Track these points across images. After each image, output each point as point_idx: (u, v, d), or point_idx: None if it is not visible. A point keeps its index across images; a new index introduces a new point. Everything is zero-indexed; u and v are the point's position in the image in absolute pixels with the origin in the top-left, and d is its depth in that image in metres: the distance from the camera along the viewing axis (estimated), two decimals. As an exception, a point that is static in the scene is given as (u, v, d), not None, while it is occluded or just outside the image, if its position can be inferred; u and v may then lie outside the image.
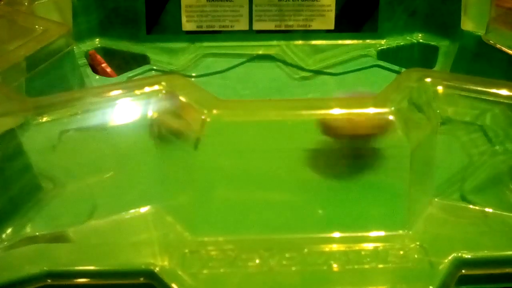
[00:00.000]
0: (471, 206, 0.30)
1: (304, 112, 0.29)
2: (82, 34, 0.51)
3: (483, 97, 0.31)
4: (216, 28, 0.52)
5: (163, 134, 0.30)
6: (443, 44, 0.51)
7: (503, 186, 0.32)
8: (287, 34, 0.52)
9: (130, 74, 0.49)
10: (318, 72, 0.50)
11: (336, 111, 0.29)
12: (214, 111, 0.29)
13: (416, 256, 0.27)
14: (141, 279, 0.26)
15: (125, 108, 0.30)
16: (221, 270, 0.26)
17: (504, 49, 0.43)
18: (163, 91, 0.30)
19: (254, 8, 0.52)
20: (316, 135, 0.29)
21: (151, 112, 0.30)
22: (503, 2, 0.48)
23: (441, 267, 0.26)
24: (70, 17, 0.47)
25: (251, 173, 0.29)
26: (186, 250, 0.27)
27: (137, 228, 0.29)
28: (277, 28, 0.52)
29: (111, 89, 0.31)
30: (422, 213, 0.29)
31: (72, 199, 0.31)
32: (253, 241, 0.28)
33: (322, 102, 0.31)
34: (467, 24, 0.47)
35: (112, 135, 0.31)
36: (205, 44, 0.52)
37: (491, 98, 0.31)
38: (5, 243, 0.28)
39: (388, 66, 0.50)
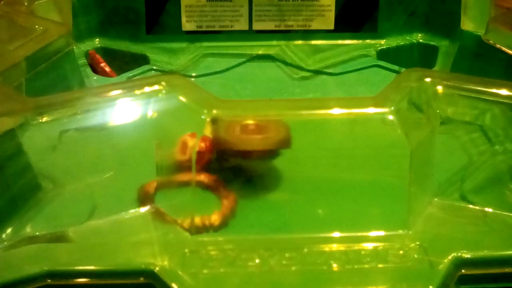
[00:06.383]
0: (471, 206, 0.30)
1: (304, 112, 0.29)
2: (82, 34, 0.51)
3: (483, 97, 0.31)
4: (216, 28, 0.52)
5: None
6: (443, 44, 0.51)
7: (503, 186, 0.32)
8: (287, 34, 0.52)
9: (130, 74, 0.49)
10: (317, 72, 0.50)
11: (336, 111, 0.29)
12: (214, 111, 0.29)
13: (416, 256, 0.27)
14: (141, 279, 0.26)
15: (125, 108, 0.30)
16: (221, 270, 0.26)
17: (504, 49, 0.43)
18: (163, 91, 0.30)
19: (254, 8, 0.52)
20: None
21: (151, 112, 0.30)
22: (503, 2, 0.48)
23: (441, 266, 0.26)
24: (70, 17, 0.47)
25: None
26: (186, 250, 0.27)
27: (137, 228, 0.29)
28: (277, 28, 0.52)
29: (111, 89, 0.31)
30: (422, 213, 0.29)
31: (72, 199, 0.31)
32: (253, 241, 0.28)
33: (322, 102, 0.31)
34: (467, 24, 0.47)
35: (112, 135, 0.31)
36: (205, 44, 0.52)
37: (491, 98, 0.31)
38: (5, 243, 0.28)
39: (387, 66, 0.50)
